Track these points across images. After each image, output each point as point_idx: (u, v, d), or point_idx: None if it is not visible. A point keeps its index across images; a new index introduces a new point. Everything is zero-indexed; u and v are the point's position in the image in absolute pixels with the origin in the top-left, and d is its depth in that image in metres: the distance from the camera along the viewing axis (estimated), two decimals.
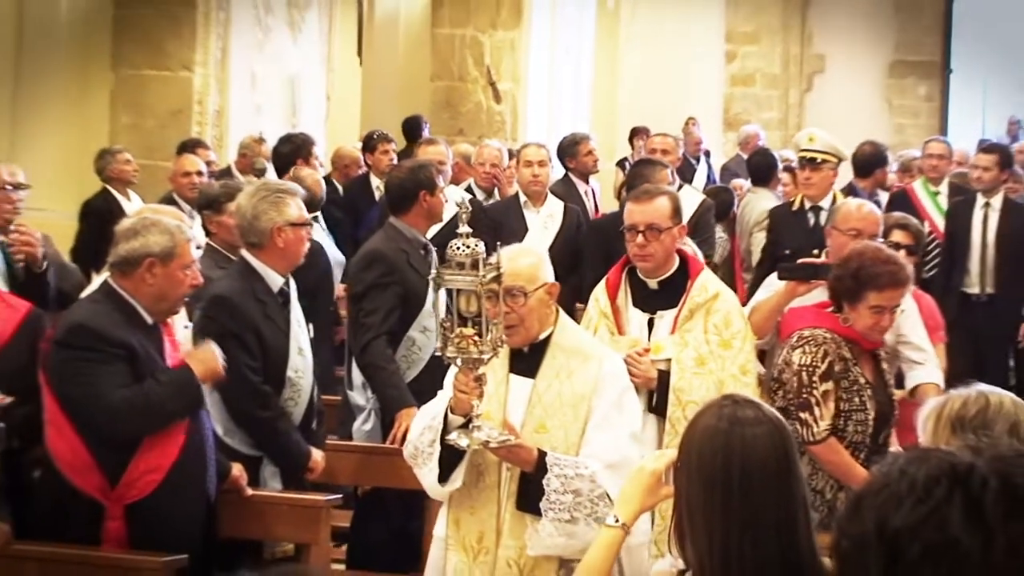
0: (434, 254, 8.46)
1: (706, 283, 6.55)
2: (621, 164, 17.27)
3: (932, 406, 4.78)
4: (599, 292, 6.73)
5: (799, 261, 7.87)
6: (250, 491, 6.96)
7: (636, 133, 17.88)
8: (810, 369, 6.39)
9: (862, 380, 6.56)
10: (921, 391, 7.19)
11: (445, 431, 5.14)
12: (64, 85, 13.96)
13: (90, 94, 13.69)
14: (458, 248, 4.96)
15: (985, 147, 12.40)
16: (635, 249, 6.53)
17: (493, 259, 5.05)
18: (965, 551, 1.53)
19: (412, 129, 15.22)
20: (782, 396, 6.41)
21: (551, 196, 11.15)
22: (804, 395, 6.40)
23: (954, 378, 7.15)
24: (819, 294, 7.13)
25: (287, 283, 7.43)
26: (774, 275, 7.89)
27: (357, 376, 8.25)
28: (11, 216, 8.45)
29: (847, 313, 6.52)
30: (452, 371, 5.27)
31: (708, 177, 17.26)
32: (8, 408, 6.13)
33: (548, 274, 5.50)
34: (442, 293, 5.03)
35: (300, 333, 7.51)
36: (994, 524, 1.54)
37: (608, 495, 5.02)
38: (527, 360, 5.39)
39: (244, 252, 7.37)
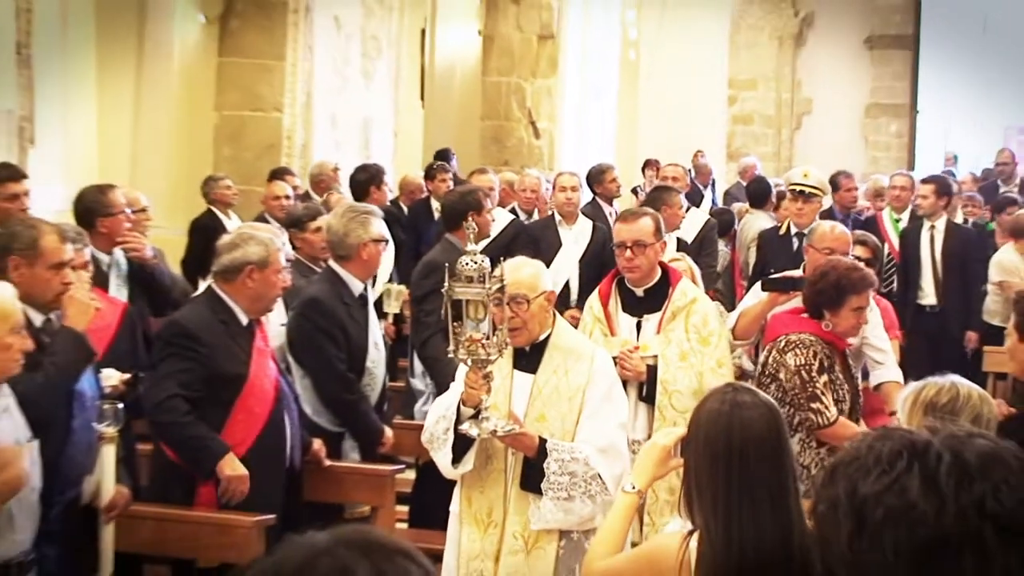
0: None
1: (685, 290, 6.52)
2: (634, 191, 17.19)
3: (911, 389, 4.77)
4: (593, 300, 6.72)
5: (779, 275, 7.85)
6: (328, 462, 6.97)
7: (648, 164, 17.80)
8: (807, 367, 6.37)
9: (841, 376, 6.55)
10: (885, 389, 7.20)
11: (458, 421, 5.13)
12: (176, 123, 14.01)
13: (197, 131, 13.73)
14: (467, 264, 4.94)
15: (924, 179, 12.30)
16: (624, 262, 6.52)
17: (497, 272, 5.02)
18: (921, 515, 1.53)
19: (442, 158, 15.28)
20: (775, 390, 6.36)
21: (581, 216, 11.14)
22: (809, 389, 6.38)
23: (910, 374, 7.26)
24: (794, 302, 7.14)
25: (366, 288, 7.48)
26: (758, 285, 7.89)
27: (418, 366, 8.29)
28: (131, 235, 8.33)
29: (829, 319, 6.50)
30: (463, 369, 5.25)
31: (712, 201, 17.20)
32: (126, 387, 6.16)
33: (547, 283, 5.46)
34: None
35: (375, 330, 7.57)
36: (946, 492, 1.54)
37: (600, 476, 5.04)
38: (529, 358, 5.37)
39: (331, 262, 7.44)
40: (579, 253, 10.72)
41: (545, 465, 5.03)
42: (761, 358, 6.79)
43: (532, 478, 5.11)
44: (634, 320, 6.49)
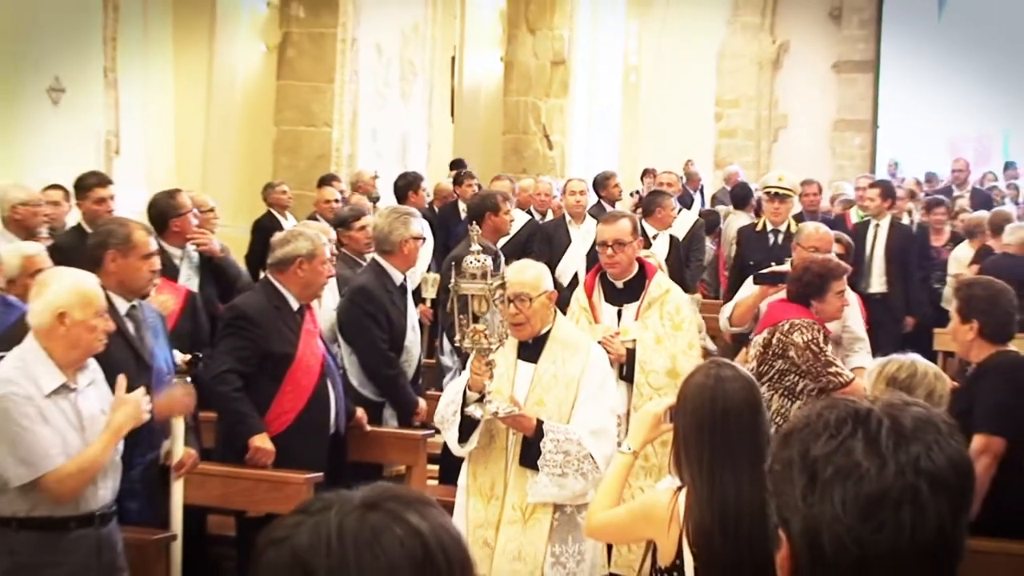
0: (502, 258, 8.48)
1: (660, 282, 6.46)
2: (633, 195, 17.18)
3: (877, 364, 4.78)
4: (579, 292, 6.67)
5: (768, 271, 7.84)
6: (369, 428, 6.97)
7: (646, 173, 17.73)
8: (814, 342, 6.35)
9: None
10: (856, 374, 7.19)
11: (465, 404, 5.02)
12: (240, 137, 14.04)
13: (258, 143, 13.75)
14: (471, 263, 4.86)
15: (871, 183, 12.18)
16: (606, 259, 6.46)
17: (501, 270, 4.99)
18: (865, 472, 1.53)
19: (457, 167, 15.32)
20: (781, 364, 6.35)
21: (588, 217, 11.12)
22: (823, 358, 6.37)
23: None
24: (781, 294, 7.13)
25: (405, 279, 7.46)
26: (750, 279, 7.85)
27: (447, 345, 8.24)
28: (199, 232, 8.44)
29: (816, 306, 6.49)
30: (470, 358, 5.16)
31: (701, 203, 17.18)
32: (188, 365, 6.18)
33: (548, 284, 5.33)
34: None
35: (413, 315, 7.56)
36: (886, 453, 1.55)
37: (592, 456, 4.93)
38: (531, 349, 5.25)
39: (376, 256, 7.44)
40: (586, 249, 10.64)
41: (542, 444, 4.92)
42: (760, 339, 6.71)
43: (530, 456, 5.00)
44: (615, 309, 6.41)
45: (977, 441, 5.33)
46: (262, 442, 6.19)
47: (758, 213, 12.70)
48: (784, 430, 1.67)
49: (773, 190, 9.87)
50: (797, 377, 6.39)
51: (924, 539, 1.52)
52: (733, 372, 3.88)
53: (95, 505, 4.75)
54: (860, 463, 1.54)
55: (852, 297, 7.68)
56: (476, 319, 4.83)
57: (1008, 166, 21.79)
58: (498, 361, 4.98)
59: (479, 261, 4.83)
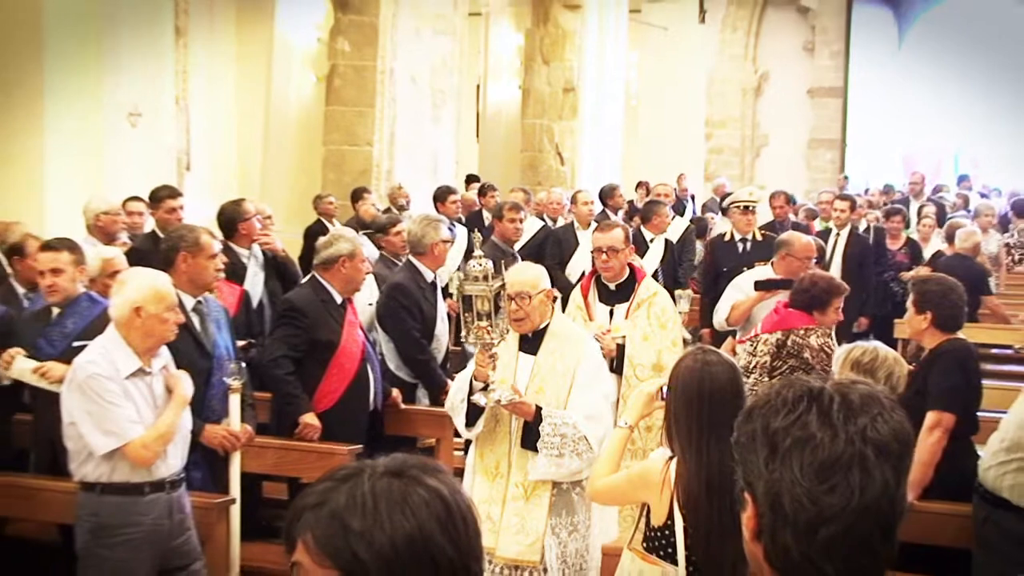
0: (518, 259, 8.47)
1: (648, 285, 6.31)
2: (628, 204, 17.13)
3: (844, 349, 4.76)
4: (575, 293, 6.53)
5: (767, 279, 7.73)
6: (403, 406, 6.96)
7: (639, 184, 17.59)
8: (827, 345, 6.29)
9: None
10: None
11: (471, 393, 4.90)
12: (294, 155, 14.06)
13: (310, 160, 13.76)
14: (474, 266, 4.74)
15: (839, 196, 12.07)
16: (600, 263, 6.31)
17: (502, 272, 4.81)
18: (819, 442, 1.54)
19: (472, 180, 15.50)
20: (794, 362, 6.27)
21: (594, 223, 11.08)
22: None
23: None
24: (771, 302, 7.22)
25: (435, 277, 7.45)
26: (750, 284, 7.76)
27: None
28: (264, 234, 8.57)
29: (818, 317, 6.43)
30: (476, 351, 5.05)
31: (692, 211, 17.09)
32: (247, 349, 6.20)
33: (546, 282, 5.15)
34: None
35: (442, 308, 7.54)
36: (837, 424, 1.55)
37: (586, 438, 4.78)
38: (531, 342, 5.09)
39: (410, 257, 7.42)
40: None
41: (541, 428, 4.77)
42: (773, 338, 6.61)
43: (530, 439, 4.85)
44: (607, 308, 6.26)
45: (931, 417, 5.31)
46: (310, 419, 6.20)
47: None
48: (746, 407, 1.67)
49: (744, 204, 9.81)
50: (805, 374, 6.31)
51: (871, 498, 1.53)
52: (718, 358, 3.88)
53: (166, 472, 4.76)
54: (815, 434, 1.54)
55: None
56: (480, 317, 4.74)
57: (961, 179, 21.75)
58: (501, 353, 4.87)
59: (481, 265, 4.73)
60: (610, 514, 5.46)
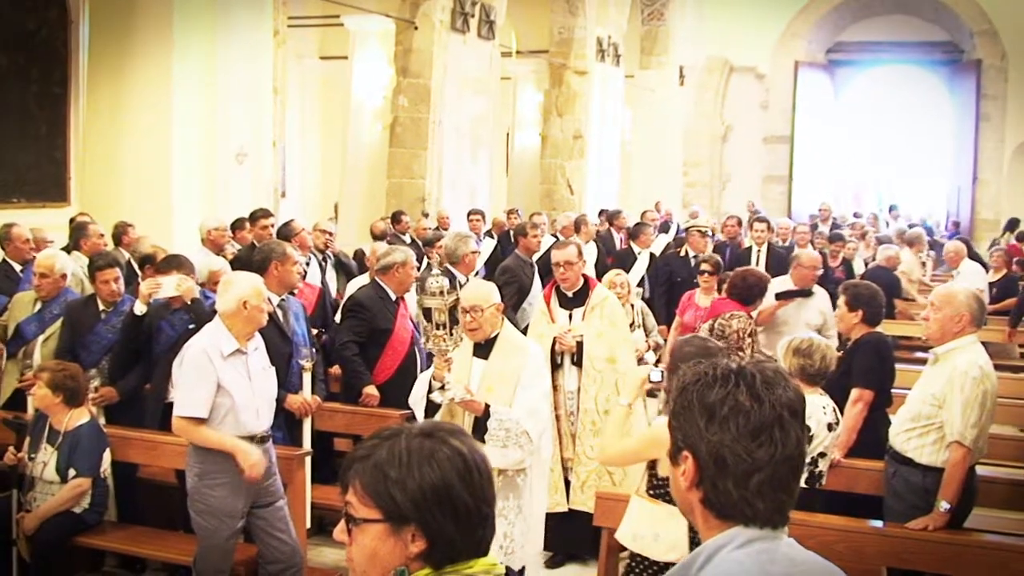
0: (535, 268, 8.37)
1: (599, 292, 5.96)
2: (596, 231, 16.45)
3: (787, 339, 4.68)
4: (539, 300, 6.23)
5: (785, 290, 7.44)
6: None
7: (601, 213, 15.50)
8: (744, 330, 6.20)
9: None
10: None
11: (430, 391, 4.53)
12: (365, 186, 14.08)
13: (375, 191, 13.78)
14: (431, 284, 4.51)
15: (758, 218, 11.54)
16: (558, 275, 5.95)
17: (458, 288, 4.53)
18: (748, 409, 1.52)
19: (512, 213, 14.95)
20: (722, 340, 6.09)
21: (593, 242, 11.01)
22: (740, 343, 6.29)
23: None
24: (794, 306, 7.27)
25: (467, 280, 7.37)
26: (771, 291, 7.33)
27: None
28: (328, 243, 8.86)
29: (749, 306, 6.37)
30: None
31: (676, 231, 16.97)
32: (319, 336, 6.17)
33: (496, 297, 4.70)
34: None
35: None
36: (762, 394, 1.53)
37: (527, 432, 4.40)
38: (483, 349, 4.65)
39: (448, 266, 7.36)
40: (593, 261, 10.63)
41: (488, 423, 4.40)
42: (706, 325, 6.55)
43: (479, 431, 4.45)
44: (567, 312, 5.95)
45: (855, 393, 5.26)
46: (371, 390, 6.15)
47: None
48: (679, 384, 1.62)
49: (703, 229, 9.86)
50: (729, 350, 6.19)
51: (789, 449, 1.53)
52: (714, 344, 3.90)
53: (257, 429, 4.72)
54: (744, 403, 1.53)
55: (825, 295, 7.52)
56: (438, 327, 4.51)
57: (891, 208, 21.60)
58: (457, 358, 4.57)
59: (438, 282, 4.48)
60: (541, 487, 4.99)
